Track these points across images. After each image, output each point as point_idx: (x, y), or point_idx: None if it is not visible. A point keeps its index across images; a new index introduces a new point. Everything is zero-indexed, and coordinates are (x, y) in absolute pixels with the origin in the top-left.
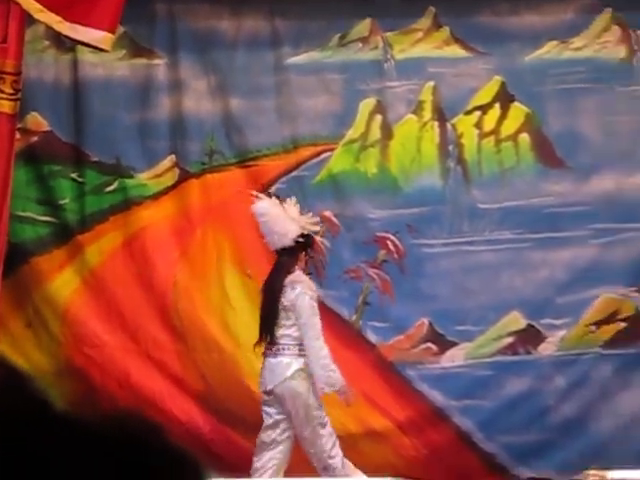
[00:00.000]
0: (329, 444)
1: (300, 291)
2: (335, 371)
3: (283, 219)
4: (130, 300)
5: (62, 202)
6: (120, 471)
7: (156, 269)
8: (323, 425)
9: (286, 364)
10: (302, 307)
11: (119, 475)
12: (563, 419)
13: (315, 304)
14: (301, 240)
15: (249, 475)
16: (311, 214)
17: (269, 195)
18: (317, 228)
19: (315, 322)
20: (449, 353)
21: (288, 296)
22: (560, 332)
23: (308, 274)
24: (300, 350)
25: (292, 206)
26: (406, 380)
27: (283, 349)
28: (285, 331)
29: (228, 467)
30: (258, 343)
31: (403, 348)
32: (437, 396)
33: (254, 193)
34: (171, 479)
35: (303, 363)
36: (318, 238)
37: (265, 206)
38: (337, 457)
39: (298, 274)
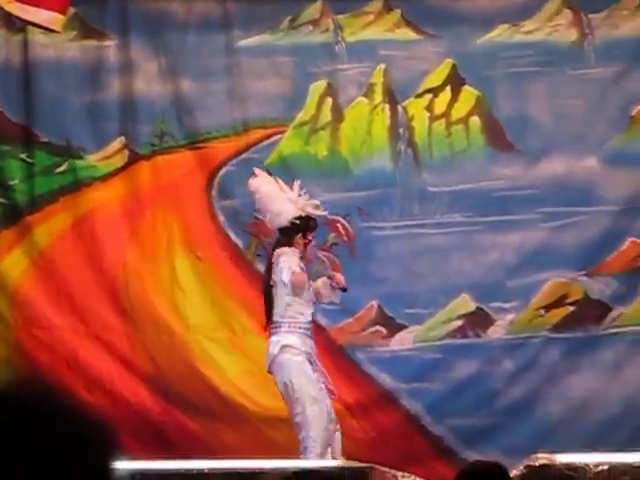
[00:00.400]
0: (313, 424)
1: (281, 266)
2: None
3: (277, 198)
4: (79, 281)
5: (11, 183)
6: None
7: (106, 250)
8: (313, 402)
9: (275, 342)
10: (278, 278)
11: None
12: (511, 402)
13: (291, 279)
14: (297, 222)
15: (197, 456)
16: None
17: (268, 172)
18: (318, 212)
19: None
20: (398, 336)
21: (275, 272)
22: (509, 315)
23: (307, 260)
24: (290, 326)
25: (294, 187)
26: (355, 363)
27: (278, 327)
28: (277, 309)
29: (177, 449)
30: (266, 324)
31: (353, 331)
32: (386, 379)
33: (254, 169)
34: (70, 450)
35: (290, 339)
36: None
37: (256, 183)
38: (317, 440)
39: (283, 250)
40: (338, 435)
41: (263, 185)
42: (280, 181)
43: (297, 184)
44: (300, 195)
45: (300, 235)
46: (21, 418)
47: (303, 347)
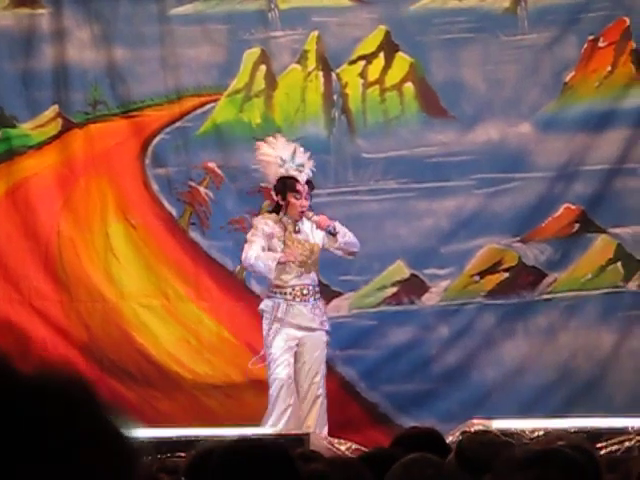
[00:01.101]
0: (274, 390)
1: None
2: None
3: (268, 163)
4: (13, 250)
5: None
6: None
7: (39, 219)
8: (277, 365)
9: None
10: None
11: None
12: (446, 369)
13: (256, 231)
14: (276, 185)
15: (132, 425)
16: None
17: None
18: (296, 174)
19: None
20: (333, 303)
21: None
22: (444, 282)
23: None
24: (269, 290)
25: (285, 148)
26: None
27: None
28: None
29: None
30: None
31: None
32: None
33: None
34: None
35: (265, 303)
36: (202, 189)
37: (258, 151)
38: (275, 410)
39: (255, 220)
40: (316, 409)
41: (262, 150)
42: (280, 144)
43: (291, 146)
44: (294, 158)
45: (279, 197)
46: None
47: (275, 312)
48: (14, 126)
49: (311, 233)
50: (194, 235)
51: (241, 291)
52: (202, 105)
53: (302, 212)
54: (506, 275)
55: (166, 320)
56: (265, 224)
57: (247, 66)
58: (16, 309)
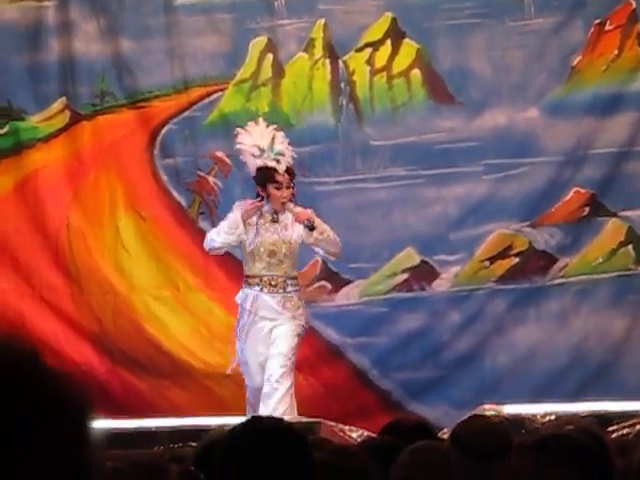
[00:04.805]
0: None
1: None
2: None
3: (244, 152)
4: (23, 244)
5: None
6: None
7: (49, 212)
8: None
9: None
10: None
11: None
12: (458, 355)
13: (232, 214)
14: (255, 174)
15: (145, 415)
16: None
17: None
18: (274, 164)
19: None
20: (344, 291)
21: None
22: (454, 268)
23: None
24: (243, 281)
25: (263, 135)
26: None
27: None
28: None
29: (123, 408)
30: None
31: None
32: (332, 334)
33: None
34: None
35: (238, 295)
36: (210, 178)
37: (238, 138)
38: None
39: (235, 205)
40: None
41: (240, 139)
42: (259, 131)
43: (270, 133)
44: (273, 146)
45: (260, 188)
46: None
47: (244, 302)
48: (22, 119)
49: (291, 225)
50: (203, 225)
51: None
52: (209, 95)
53: (283, 203)
54: (516, 260)
55: (177, 311)
56: (240, 207)
57: (254, 55)
58: (27, 302)
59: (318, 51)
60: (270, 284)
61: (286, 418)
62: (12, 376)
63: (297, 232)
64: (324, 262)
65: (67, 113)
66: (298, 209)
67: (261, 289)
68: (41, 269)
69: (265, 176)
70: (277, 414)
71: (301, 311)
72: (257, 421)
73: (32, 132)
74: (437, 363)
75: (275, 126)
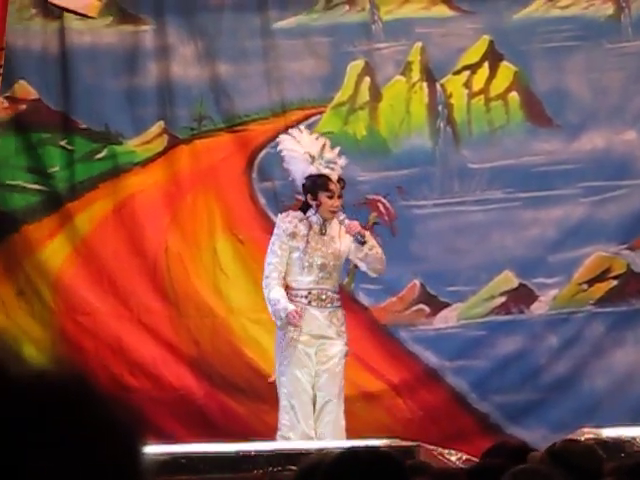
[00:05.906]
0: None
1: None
2: (276, 303)
3: (294, 158)
4: (121, 267)
5: (52, 170)
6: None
7: (147, 235)
8: (282, 375)
9: None
10: None
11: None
12: (556, 378)
13: (275, 239)
14: (305, 182)
15: (242, 439)
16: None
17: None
18: (328, 171)
19: (267, 260)
20: (442, 314)
21: None
22: (552, 291)
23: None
24: (288, 295)
25: (312, 143)
26: (399, 342)
27: None
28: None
29: (221, 432)
30: None
31: (395, 310)
32: (430, 357)
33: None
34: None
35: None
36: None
37: (281, 145)
38: (283, 426)
39: (278, 217)
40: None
41: (286, 145)
42: (306, 138)
43: (319, 141)
44: (323, 154)
45: (309, 196)
46: (47, 404)
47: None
48: (120, 143)
49: (338, 237)
50: None
51: (349, 302)
52: (307, 118)
53: (333, 212)
54: (615, 283)
55: (274, 334)
56: (289, 222)
57: (351, 78)
58: (125, 326)
59: (415, 74)
60: (319, 298)
61: (384, 442)
62: (61, 401)
63: (345, 244)
64: (422, 285)
65: (165, 137)
66: (349, 221)
67: (309, 302)
68: (139, 292)
69: (317, 184)
70: (339, 430)
71: (344, 328)
72: (357, 447)
73: (130, 156)
74: (535, 386)
75: (319, 134)
